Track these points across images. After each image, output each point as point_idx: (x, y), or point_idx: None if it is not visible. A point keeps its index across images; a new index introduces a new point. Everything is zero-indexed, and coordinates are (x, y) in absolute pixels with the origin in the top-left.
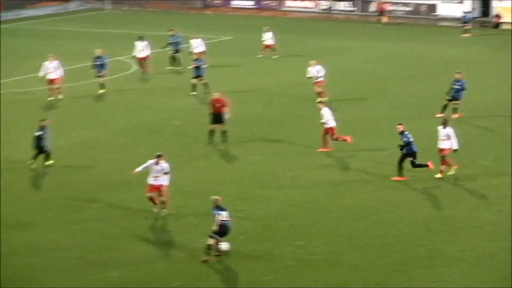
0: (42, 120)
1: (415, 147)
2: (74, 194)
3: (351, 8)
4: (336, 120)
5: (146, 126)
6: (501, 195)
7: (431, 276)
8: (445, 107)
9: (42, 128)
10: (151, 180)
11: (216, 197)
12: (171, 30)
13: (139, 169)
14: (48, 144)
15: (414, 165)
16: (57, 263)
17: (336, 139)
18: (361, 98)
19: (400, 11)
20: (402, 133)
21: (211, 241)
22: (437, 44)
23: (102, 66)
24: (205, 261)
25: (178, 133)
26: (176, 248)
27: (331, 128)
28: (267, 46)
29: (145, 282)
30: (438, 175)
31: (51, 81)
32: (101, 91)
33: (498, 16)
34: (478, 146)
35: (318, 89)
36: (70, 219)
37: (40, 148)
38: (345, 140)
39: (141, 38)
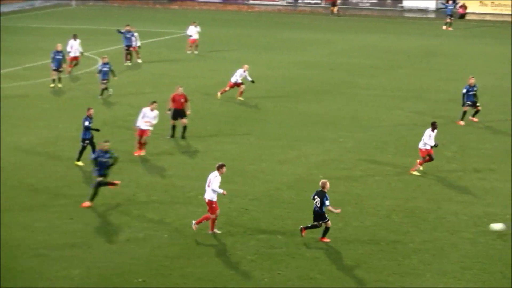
0: (89, 108)
1: (103, 171)
2: (37, 191)
3: (317, 1)
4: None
5: (110, 122)
6: (463, 186)
7: (393, 267)
8: (464, 113)
9: (88, 117)
10: (213, 196)
11: (323, 180)
12: (128, 26)
13: (221, 191)
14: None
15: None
16: (20, 261)
17: (143, 144)
18: (327, 91)
19: (365, 3)
20: (107, 151)
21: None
22: (403, 35)
23: (61, 60)
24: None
25: None
26: (138, 244)
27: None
28: (193, 41)
29: (107, 279)
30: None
31: None
32: (57, 85)
33: (463, 7)
34: (442, 136)
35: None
36: (33, 217)
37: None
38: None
39: (75, 37)
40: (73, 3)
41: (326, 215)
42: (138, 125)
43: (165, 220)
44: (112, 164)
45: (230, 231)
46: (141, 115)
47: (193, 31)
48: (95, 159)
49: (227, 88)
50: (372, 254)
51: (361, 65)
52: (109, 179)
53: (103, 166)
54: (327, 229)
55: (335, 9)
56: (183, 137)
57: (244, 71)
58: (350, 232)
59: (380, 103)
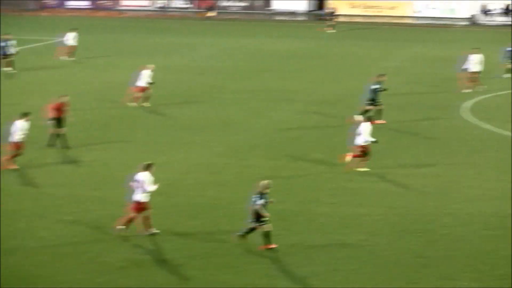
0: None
1: None
2: None
3: (187, 5)
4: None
5: None
6: (332, 187)
7: (263, 270)
8: (380, 112)
9: None
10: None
11: (265, 182)
12: (6, 35)
13: (154, 187)
14: None
15: None
16: None
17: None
18: (196, 95)
19: (235, 6)
20: None
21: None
22: (273, 38)
23: None
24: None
25: None
26: (6, 253)
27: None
28: (69, 48)
29: None
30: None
31: None
32: None
33: (332, 8)
34: (311, 139)
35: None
36: None
37: None
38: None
39: None
40: None
41: (263, 217)
42: (12, 138)
43: (33, 229)
44: None
45: (100, 238)
46: (13, 128)
47: (71, 38)
48: None
49: (137, 94)
50: (239, 257)
51: (231, 69)
52: None
53: None
54: (267, 234)
55: (212, 13)
56: (54, 145)
57: (152, 71)
58: (220, 236)
59: (250, 106)
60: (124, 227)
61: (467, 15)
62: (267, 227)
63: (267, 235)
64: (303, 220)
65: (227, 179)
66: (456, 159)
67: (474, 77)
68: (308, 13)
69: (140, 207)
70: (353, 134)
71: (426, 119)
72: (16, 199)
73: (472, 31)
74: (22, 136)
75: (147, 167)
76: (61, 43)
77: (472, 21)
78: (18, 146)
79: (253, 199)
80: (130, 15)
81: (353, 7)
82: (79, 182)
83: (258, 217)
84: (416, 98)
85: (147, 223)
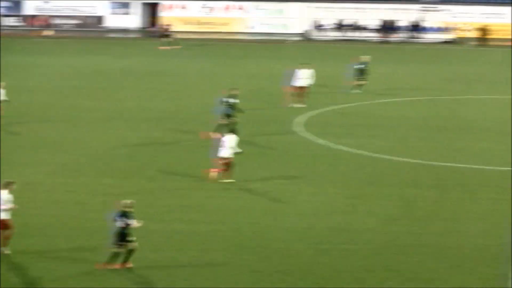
0: None
1: None
2: None
3: (19, 23)
4: None
5: None
6: (166, 203)
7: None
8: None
9: None
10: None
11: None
12: None
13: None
14: None
15: None
16: None
17: None
18: (30, 115)
19: (68, 24)
20: None
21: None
22: (107, 56)
23: None
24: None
25: None
26: None
27: None
28: None
29: None
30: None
31: None
32: None
33: (167, 25)
34: (144, 157)
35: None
36: None
37: None
38: None
39: None
40: None
41: (129, 236)
42: None
43: None
44: None
45: None
46: None
47: None
48: None
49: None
50: (77, 276)
51: (65, 88)
52: None
53: None
54: (130, 252)
55: (49, 32)
56: None
57: (3, 89)
58: (57, 254)
59: (87, 125)
60: None
61: (300, 30)
62: (133, 245)
63: (129, 254)
64: (162, 238)
65: (60, 198)
66: (291, 174)
67: (303, 92)
68: (142, 31)
69: (3, 224)
70: (216, 148)
71: (261, 134)
72: None
73: (305, 46)
74: None
75: (6, 185)
76: None
77: (305, 37)
78: None
79: (117, 220)
80: None
81: (187, 23)
82: None
83: (122, 237)
84: (250, 114)
85: (4, 242)
